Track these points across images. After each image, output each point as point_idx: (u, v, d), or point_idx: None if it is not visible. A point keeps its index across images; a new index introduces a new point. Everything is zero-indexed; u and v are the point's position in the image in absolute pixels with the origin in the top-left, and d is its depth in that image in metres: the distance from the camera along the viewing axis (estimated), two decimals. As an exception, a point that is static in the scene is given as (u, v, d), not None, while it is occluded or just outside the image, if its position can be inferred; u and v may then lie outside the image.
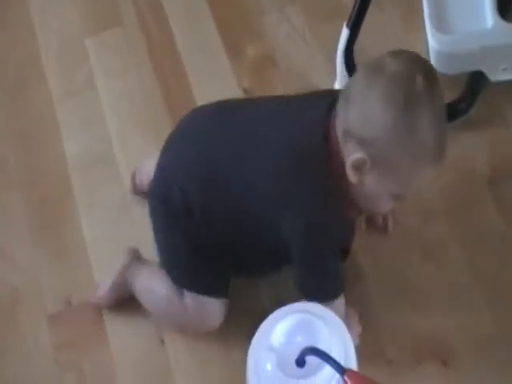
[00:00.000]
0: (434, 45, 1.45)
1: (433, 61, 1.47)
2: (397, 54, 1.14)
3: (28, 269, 1.41)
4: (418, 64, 1.13)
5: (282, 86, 1.55)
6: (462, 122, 1.46)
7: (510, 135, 1.45)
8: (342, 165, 1.15)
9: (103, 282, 1.33)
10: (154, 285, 1.29)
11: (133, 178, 1.42)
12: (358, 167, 1.13)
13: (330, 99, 1.17)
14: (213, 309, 1.26)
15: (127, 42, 1.65)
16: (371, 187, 1.15)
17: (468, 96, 1.46)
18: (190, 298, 1.26)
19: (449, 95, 1.45)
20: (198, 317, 1.27)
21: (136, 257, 1.33)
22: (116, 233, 1.42)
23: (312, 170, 1.16)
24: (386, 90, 1.11)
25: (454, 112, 1.45)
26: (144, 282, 1.30)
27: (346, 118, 1.13)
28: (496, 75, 1.44)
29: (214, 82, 1.58)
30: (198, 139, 1.24)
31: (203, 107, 1.31)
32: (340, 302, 1.23)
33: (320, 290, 1.21)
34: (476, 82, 1.46)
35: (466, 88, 1.46)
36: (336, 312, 1.14)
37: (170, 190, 1.24)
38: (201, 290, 1.25)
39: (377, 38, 1.54)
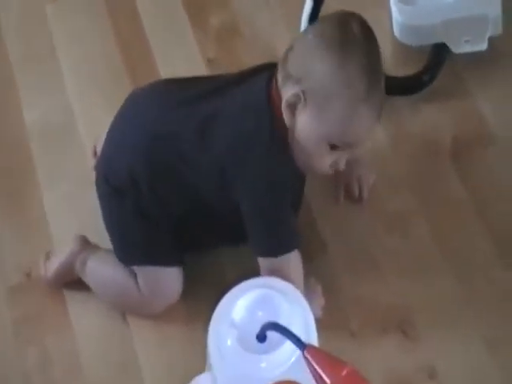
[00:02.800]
0: (397, 16, 1.45)
1: (396, 32, 1.47)
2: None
3: (-14, 240, 1.40)
4: (354, 14, 1.18)
5: (247, 56, 1.54)
6: (425, 94, 1.46)
7: (473, 107, 1.46)
8: (284, 129, 1.17)
9: (52, 261, 1.32)
10: (105, 271, 1.29)
11: (95, 154, 1.40)
12: (292, 104, 1.16)
13: (270, 70, 1.20)
14: (168, 282, 1.26)
15: (89, 9, 1.63)
16: (304, 131, 1.16)
17: (431, 68, 1.46)
18: (143, 277, 1.26)
19: (412, 67, 1.46)
20: (154, 294, 1.26)
21: (84, 244, 1.32)
22: (77, 205, 1.40)
23: (258, 132, 1.18)
24: (322, 30, 1.16)
25: (417, 84, 1.46)
26: (95, 270, 1.30)
27: (286, 63, 1.17)
28: (459, 47, 1.45)
29: (178, 50, 1.56)
30: (144, 116, 1.25)
31: (146, 86, 1.31)
32: (296, 257, 1.22)
33: (276, 244, 1.21)
34: (439, 53, 1.46)
35: (429, 60, 1.46)
36: (294, 269, 1.17)
37: (115, 169, 1.25)
38: (154, 261, 1.25)
39: (341, 8, 1.52)
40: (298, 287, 1.15)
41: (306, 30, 1.18)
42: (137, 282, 1.26)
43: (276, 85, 1.18)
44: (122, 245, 1.28)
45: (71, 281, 1.32)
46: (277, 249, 1.20)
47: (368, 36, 1.16)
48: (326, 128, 1.16)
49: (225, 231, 1.27)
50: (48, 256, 1.33)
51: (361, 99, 1.14)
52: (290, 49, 1.18)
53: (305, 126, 1.16)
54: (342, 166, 1.21)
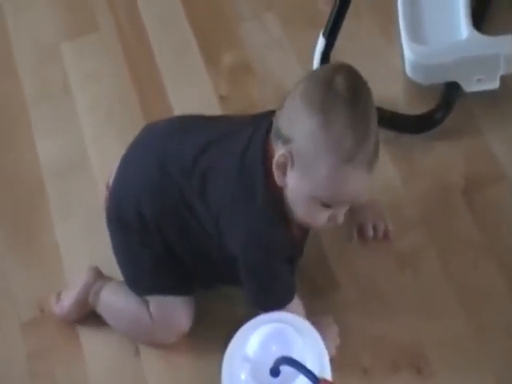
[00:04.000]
0: (409, 55, 1.46)
1: (408, 71, 1.48)
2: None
3: (1, 276, 1.40)
4: (342, 67, 1.16)
5: (259, 93, 1.55)
6: (436, 132, 1.47)
7: (484, 145, 1.46)
8: (279, 187, 1.17)
9: (66, 296, 1.33)
10: (118, 301, 1.30)
11: (108, 187, 1.41)
12: (281, 166, 1.15)
13: (269, 121, 1.19)
14: (179, 310, 1.26)
15: (103, 48, 1.65)
16: (295, 191, 1.16)
17: (443, 106, 1.47)
18: (155, 305, 1.26)
19: (424, 105, 1.47)
20: (166, 322, 1.27)
21: (98, 275, 1.32)
22: (90, 239, 1.41)
23: (252, 191, 1.18)
24: (307, 90, 1.14)
25: (429, 122, 1.47)
26: (109, 300, 1.30)
27: (277, 121, 1.16)
28: (470, 86, 1.46)
29: (191, 88, 1.58)
30: (151, 156, 1.26)
31: (155, 125, 1.32)
32: (294, 306, 1.22)
33: (268, 301, 1.21)
34: (451, 92, 1.47)
35: (440, 98, 1.47)
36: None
37: (124, 202, 1.26)
38: (164, 290, 1.26)
39: (353, 47, 1.55)
40: None
41: (295, 87, 1.16)
42: (149, 310, 1.27)
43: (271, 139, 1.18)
44: (131, 276, 1.29)
45: (85, 313, 1.32)
46: (269, 305, 1.20)
47: (355, 90, 1.12)
48: (314, 189, 1.15)
49: (226, 275, 1.26)
50: (59, 294, 1.34)
51: (346, 160, 1.12)
52: (282, 106, 1.17)
53: (294, 186, 1.16)
54: (340, 220, 1.20)
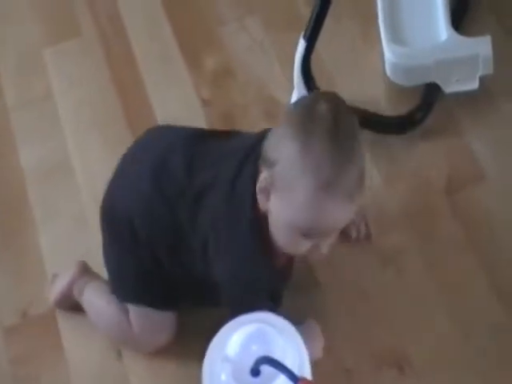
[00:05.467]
0: (389, 57, 1.47)
1: (388, 73, 1.49)
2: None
3: (-17, 281, 1.40)
4: (326, 93, 1.16)
5: (241, 97, 1.56)
6: (418, 133, 1.47)
7: (465, 144, 1.47)
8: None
9: (57, 283, 1.34)
10: (99, 303, 1.30)
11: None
12: (263, 189, 1.13)
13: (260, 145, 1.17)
14: (159, 323, 1.26)
15: (85, 53, 1.65)
16: (276, 217, 1.14)
17: (423, 107, 1.48)
18: (135, 315, 1.26)
19: (404, 106, 1.48)
20: (145, 333, 1.26)
21: (85, 270, 1.32)
22: (73, 244, 1.41)
23: (239, 216, 1.16)
24: (290, 116, 1.14)
25: (409, 123, 1.48)
26: (90, 299, 1.31)
27: (264, 145, 1.14)
28: (450, 87, 1.47)
29: (173, 92, 1.58)
30: (147, 168, 1.23)
31: (162, 132, 1.30)
32: None
33: None
34: (431, 92, 1.48)
35: (421, 99, 1.48)
36: None
37: (117, 208, 1.25)
38: (146, 302, 1.25)
39: (334, 49, 1.56)
40: None
41: (284, 112, 1.16)
42: (128, 317, 1.26)
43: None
44: (116, 281, 1.29)
45: (71, 305, 1.33)
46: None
47: (337, 117, 1.10)
48: (293, 216, 1.12)
49: (211, 296, 1.24)
50: (54, 279, 1.35)
51: (322, 187, 1.09)
52: (270, 130, 1.16)
53: (275, 212, 1.14)
54: (324, 251, 1.16)
